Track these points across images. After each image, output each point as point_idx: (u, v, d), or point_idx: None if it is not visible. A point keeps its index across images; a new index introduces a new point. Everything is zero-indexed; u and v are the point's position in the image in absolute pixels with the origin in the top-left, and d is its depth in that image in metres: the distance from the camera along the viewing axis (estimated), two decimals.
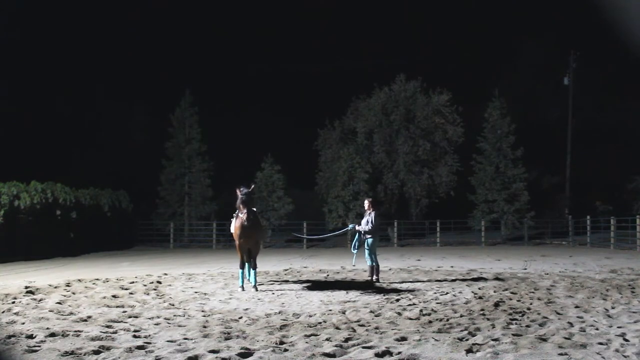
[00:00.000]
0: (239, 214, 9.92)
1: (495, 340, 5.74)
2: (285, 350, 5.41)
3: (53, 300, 8.56)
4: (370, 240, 10.95)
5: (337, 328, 6.45)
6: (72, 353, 5.28)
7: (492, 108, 28.59)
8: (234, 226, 10.28)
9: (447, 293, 9.36)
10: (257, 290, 9.84)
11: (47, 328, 6.33)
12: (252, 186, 10.16)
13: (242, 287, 9.93)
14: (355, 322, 6.84)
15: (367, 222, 10.92)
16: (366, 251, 10.99)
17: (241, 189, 9.85)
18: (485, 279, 11.33)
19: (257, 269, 10.49)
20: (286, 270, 13.78)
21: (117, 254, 21.28)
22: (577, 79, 31.15)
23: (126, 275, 12.50)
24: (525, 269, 13.62)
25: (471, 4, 42.74)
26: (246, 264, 10.31)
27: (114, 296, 9.08)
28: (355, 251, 11.24)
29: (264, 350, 5.37)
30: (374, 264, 11.01)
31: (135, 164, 30.51)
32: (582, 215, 25.77)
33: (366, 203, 11.28)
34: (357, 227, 11.17)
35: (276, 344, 5.63)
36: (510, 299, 8.56)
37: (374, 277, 10.97)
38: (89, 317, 7.16)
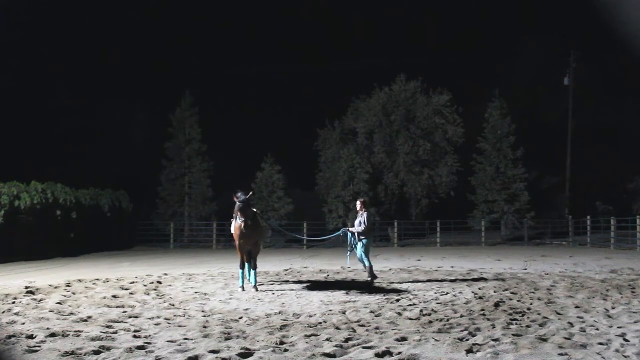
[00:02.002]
0: (237, 218, 9.93)
1: (495, 340, 5.74)
2: (286, 350, 5.41)
3: (53, 300, 8.56)
4: (365, 241, 10.80)
5: (337, 328, 6.45)
6: (72, 353, 5.28)
7: (492, 108, 28.63)
8: (234, 227, 10.23)
9: (447, 293, 9.36)
10: (257, 290, 9.82)
11: (47, 328, 6.33)
12: (251, 193, 10.15)
13: (243, 287, 9.92)
14: (355, 322, 6.84)
15: (360, 223, 10.77)
16: (362, 253, 10.81)
17: (238, 194, 9.77)
18: (485, 279, 11.33)
19: (257, 269, 10.46)
20: (286, 270, 13.78)
21: (117, 254, 21.28)
22: (577, 79, 31.15)
23: (126, 275, 12.50)
24: (525, 269, 13.62)
25: (471, 4, 42.75)
26: (246, 264, 10.30)
27: (114, 296, 9.07)
28: (349, 253, 11.17)
29: (264, 350, 5.37)
30: (370, 264, 10.93)
31: (135, 164, 30.52)
32: (582, 215, 25.78)
33: (358, 204, 11.11)
34: (350, 229, 10.98)
35: (276, 344, 5.63)
36: (511, 299, 8.55)
37: (370, 277, 10.93)
38: (89, 317, 7.16)
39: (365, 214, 10.82)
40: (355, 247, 10.96)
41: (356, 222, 10.95)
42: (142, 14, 39.94)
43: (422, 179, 28.78)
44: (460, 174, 29.16)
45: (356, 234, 10.84)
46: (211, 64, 41.83)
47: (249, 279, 10.37)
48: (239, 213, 9.71)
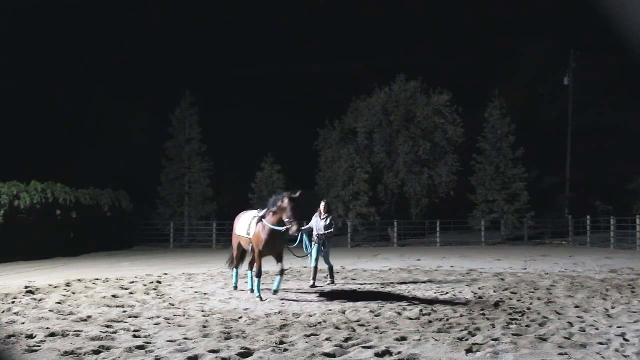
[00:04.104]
0: (266, 220, 8.71)
1: (495, 340, 5.74)
2: (285, 350, 5.41)
3: (53, 300, 8.56)
4: (327, 244, 10.53)
5: (337, 328, 6.45)
6: (72, 353, 5.28)
7: (492, 108, 28.65)
8: (256, 231, 8.90)
9: (447, 293, 9.36)
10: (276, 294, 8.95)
11: (47, 328, 6.33)
12: (299, 192, 8.84)
13: (236, 286, 9.80)
14: (355, 322, 6.84)
15: (329, 226, 10.36)
16: (321, 255, 10.46)
17: (284, 193, 8.73)
18: (485, 279, 11.33)
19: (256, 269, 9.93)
20: (286, 270, 13.76)
21: (117, 254, 21.28)
22: (577, 79, 31.15)
23: (126, 275, 12.50)
24: (525, 269, 13.62)
25: (471, 4, 42.73)
26: (241, 266, 9.88)
27: (114, 296, 9.07)
28: (310, 252, 10.60)
29: (264, 350, 5.37)
30: (315, 266, 10.52)
31: (135, 164, 30.53)
32: (582, 215, 25.79)
33: (323, 205, 10.58)
34: (320, 233, 10.33)
35: (276, 344, 5.63)
36: (510, 299, 8.56)
37: (329, 281, 10.70)
38: (89, 317, 7.16)
39: (331, 217, 10.50)
40: (311, 249, 10.41)
41: (321, 224, 10.43)
42: (143, 14, 39.95)
43: (422, 179, 28.79)
44: (460, 174, 29.17)
45: (324, 237, 10.36)
46: (211, 64, 41.80)
47: (241, 282, 9.96)
48: (290, 213, 8.38)
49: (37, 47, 33.72)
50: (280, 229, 8.55)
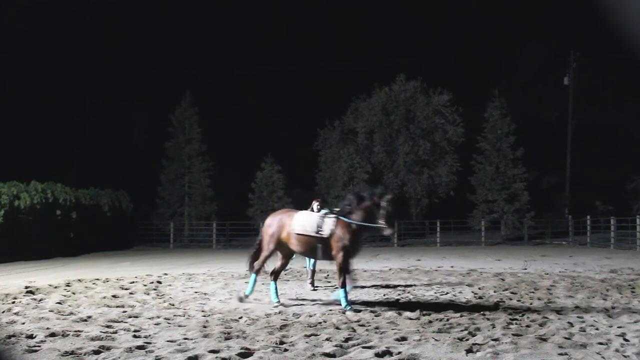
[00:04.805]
0: (351, 217, 7.81)
1: (495, 340, 5.73)
2: (285, 350, 5.41)
3: (53, 300, 8.55)
4: None
5: (337, 328, 6.45)
6: (72, 353, 5.28)
7: (492, 108, 28.66)
8: (338, 230, 7.81)
9: (447, 293, 9.37)
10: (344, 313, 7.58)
11: (47, 328, 6.32)
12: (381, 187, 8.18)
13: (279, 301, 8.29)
14: (355, 322, 6.84)
15: None
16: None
17: (376, 191, 7.96)
18: (485, 279, 11.32)
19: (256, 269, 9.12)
20: (286, 270, 13.76)
21: (117, 254, 21.28)
22: (577, 79, 31.17)
23: (126, 275, 12.50)
24: (525, 269, 13.62)
25: (471, 4, 42.72)
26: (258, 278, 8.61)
27: (114, 296, 9.07)
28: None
29: (264, 350, 5.37)
30: (313, 268, 10.33)
31: (135, 164, 30.55)
32: (582, 215, 25.78)
33: (316, 205, 9.81)
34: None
35: (276, 344, 5.62)
36: (510, 299, 8.56)
37: (309, 281, 10.32)
38: (89, 317, 7.15)
39: None
40: None
41: None
42: (143, 14, 39.96)
43: (422, 179, 28.80)
44: (460, 174, 29.18)
45: None
46: (211, 64, 41.81)
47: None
48: (390, 213, 7.64)
49: (38, 46, 33.75)
50: (373, 226, 7.73)
